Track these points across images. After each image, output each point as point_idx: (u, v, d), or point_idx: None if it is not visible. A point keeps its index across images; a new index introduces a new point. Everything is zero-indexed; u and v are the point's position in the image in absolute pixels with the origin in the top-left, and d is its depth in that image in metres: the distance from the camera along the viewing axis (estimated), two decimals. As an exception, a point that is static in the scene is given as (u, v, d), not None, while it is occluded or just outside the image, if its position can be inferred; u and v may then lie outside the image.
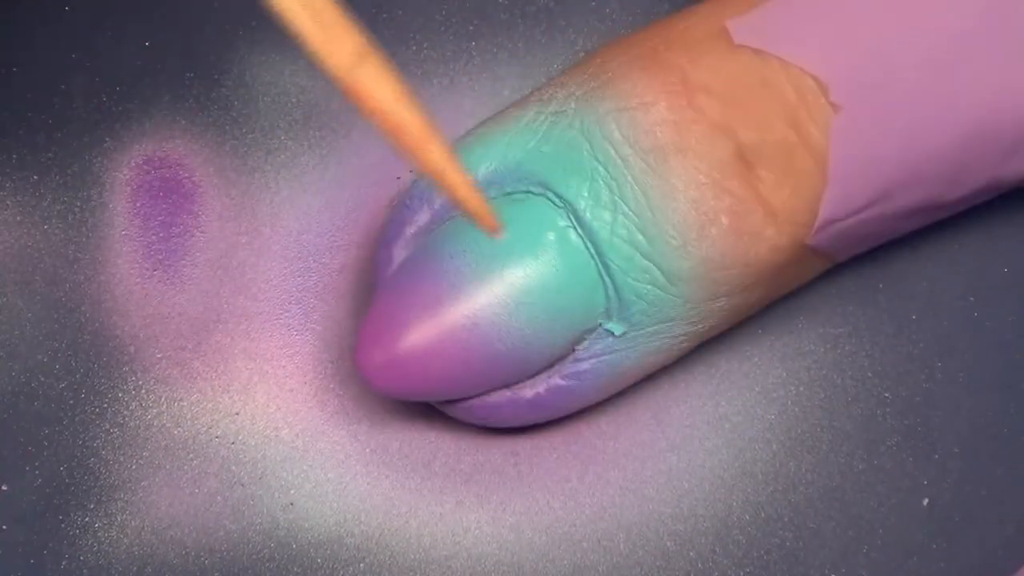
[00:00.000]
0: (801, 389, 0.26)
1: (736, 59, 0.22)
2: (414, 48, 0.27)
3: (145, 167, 0.27)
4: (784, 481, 0.26)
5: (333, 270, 0.27)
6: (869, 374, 0.26)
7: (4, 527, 0.25)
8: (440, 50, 0.27)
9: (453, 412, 0.24)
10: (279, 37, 0.27)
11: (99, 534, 0.25)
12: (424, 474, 0.26)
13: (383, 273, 0.24)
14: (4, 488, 0.26)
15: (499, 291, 0.22)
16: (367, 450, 0.26)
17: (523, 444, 0.26)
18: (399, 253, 0.24)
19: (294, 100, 0.27)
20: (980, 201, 0.24)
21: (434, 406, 0.25)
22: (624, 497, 0.26)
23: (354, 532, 0.26)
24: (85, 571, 0.25)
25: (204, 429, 0.26)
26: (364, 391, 0.26)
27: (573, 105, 0.23)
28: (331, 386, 0.26)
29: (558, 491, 0.26)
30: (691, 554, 0.25)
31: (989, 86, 0.22)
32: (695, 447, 0.26)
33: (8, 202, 0.27)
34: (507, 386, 0.23)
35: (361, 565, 0.25)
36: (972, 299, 0.26)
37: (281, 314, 0.26)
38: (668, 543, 0.25)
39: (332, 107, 0.27)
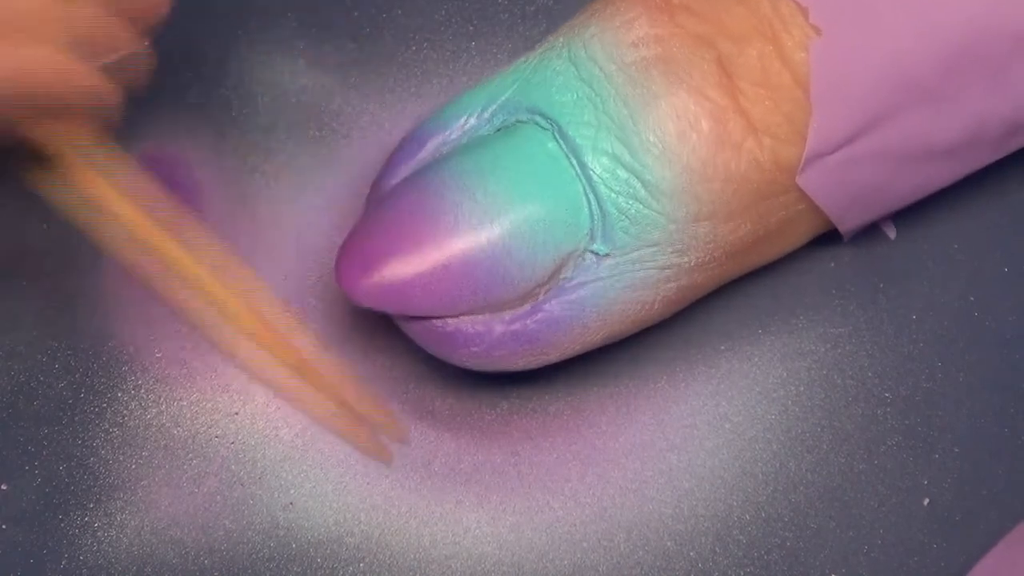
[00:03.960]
0: (801, 389, 0.26)
1: None
2: (414, 48, 0.27)
3: (145, 167, 0.27)
4: (784, 481, 0.26)
5: (332, 270, 0.27)
6: (869, 374, 0.26)
7: (4, 527, 0.25)
8: (440, 50, 0.27)
9: (429, 339, 0.24)
10: (279, 37, 0.27)
11: (98, 533, 0.25)
12: (424, 474, 0.26)
13: (373, 202, 0.24)
14: (4, 488, 0.26)
15: (481, 201, 0.22)
16: (367, 450, 0.26)
17: (524, 444, 0.26)
18: (391, 185, 0.24)
19: (294, 100, 0.27)
20: (975, 167, 0.24)
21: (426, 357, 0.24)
22: (624, 497, 0.26)
23: (354, 532, 0.25)
24: (84, 570, 0.25)
25: (203, 429, 0.26)
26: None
27: (561, 39, 0.24)
28: (331, 386, 0.26)
29: (558, 491, 0.26)
30: (691, 554, 0.25)
31: (968, 6, 0.22)
32: (695, 447, 0.26)
33: (7, 201, 0.27)
34: (489, 310, 0.23)
35: (361, 565, 0.25)
36: (972, 299, 0.26)
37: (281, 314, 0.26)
38: (668, 543, 0.25)
39: (332, 107, 0.27)
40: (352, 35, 0.27)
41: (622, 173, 0.22)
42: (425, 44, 0.27)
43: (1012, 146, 0.24)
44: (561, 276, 0.23)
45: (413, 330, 0.24)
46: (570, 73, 0.23)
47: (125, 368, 0.26)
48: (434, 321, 0.23)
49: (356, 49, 0.27)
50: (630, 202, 0.23)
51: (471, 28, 0.28)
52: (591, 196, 0.23)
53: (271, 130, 0.27)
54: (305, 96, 0.27)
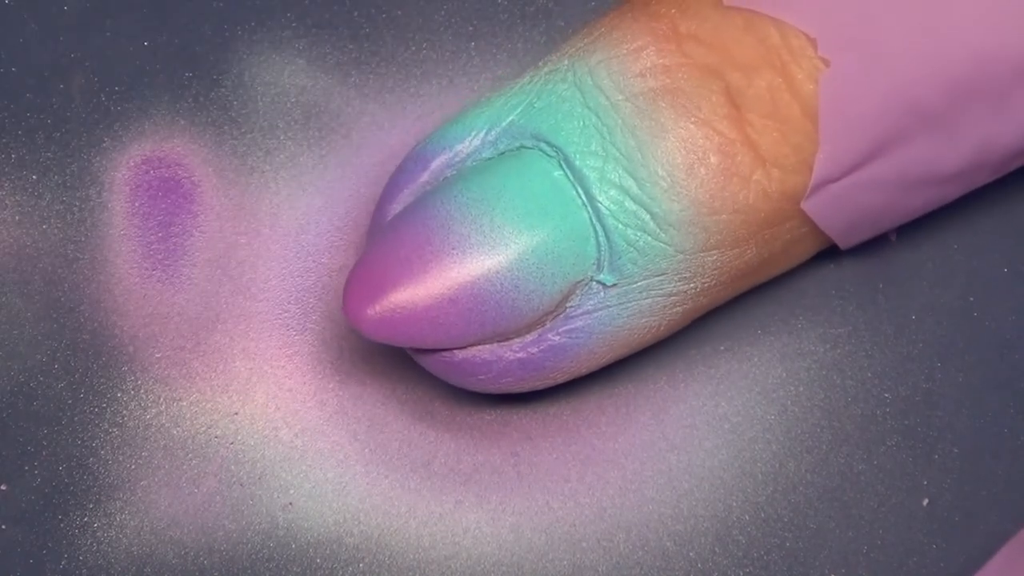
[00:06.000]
0: (801, 389, 0.26)
1: (724, 12, 0.23)
2: (414, 48, 0.27)
3: (144, 167, 0.27)
4: (784, 481, 0.26)
5: (333, 270, 0.27)
6: (869, 374, 0.26)
7: (3, 527, 0.25)
8: (440, 50, 0.27)
9: (438, 368, 0.24)
10: (279, 37, 0.27)
11: (98, 534, 0.25)
12: (424, 474, 0.26)
13: (376, 230, 0.24)
14: (3, 488, 0.25)
15: (488, 233, 0.22)
16: (367, 450, 0.26)
17: (523, 444, 0.26)
18: (394, 210, 0.24)
19: (293, 100, 0.27)
20: (980, 183, 0.24)
21: (430, 376, 0.24)
22: (624, 497, 0.26)
23: (353, 532, 0.25)
24: (84, 571, 0.25)
25: (203, 429, 0.26)
26: (364, 391, 0.26)
27: (566, 62, 0.23)
28: (331, 386, 0.26)
29: (558, 491, 0.26)
30: (691, 554, 0.25)
31: (972, 35, 0.22)
32: (695, 447, 0.26)
33: (7, 202, 0.27)
34: (496, 340, 0.23)
35: (360, 565, 0.25)
36: (972, 299, 0.26)
37: (280, 314, 0.26)
38: (668, 543, 0.25)
39: (332, 107, 0.27)
40: (352, 35, 0.27)
41: (630, 205, 0.22)
42: (425, 44, 0.27)
43: (1014, 166, 0.24)
44: (567, 304, 0.23)
45: (423, 360, 0.24)
46: (576, 100, 0.23)
47: (124, 368, 0.26)
48: (443, 353, 0.23)
49: (356, 49, 0.27)
50: (638, 234, 0.22)
51: (471, 28, 0.28)
52: (598, 226, 0.23)
53: (271, 130, 0.27)
54: (305, 96, 0.27)
